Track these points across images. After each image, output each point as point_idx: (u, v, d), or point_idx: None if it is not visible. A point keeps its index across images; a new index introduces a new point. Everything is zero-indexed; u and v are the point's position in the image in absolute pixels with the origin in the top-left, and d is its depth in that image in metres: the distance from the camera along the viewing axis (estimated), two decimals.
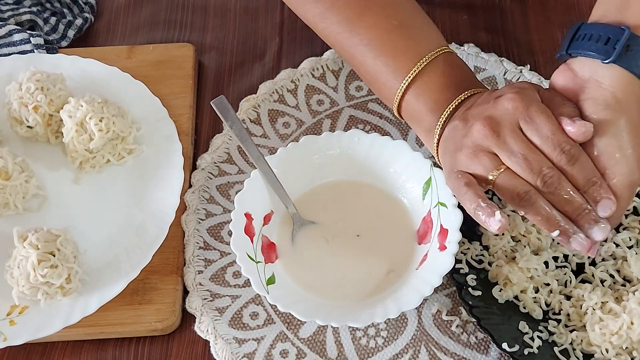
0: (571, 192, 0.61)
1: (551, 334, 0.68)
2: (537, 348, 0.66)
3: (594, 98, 0.62)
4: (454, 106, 0.68)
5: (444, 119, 0.68)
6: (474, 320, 0.67)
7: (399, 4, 0.72)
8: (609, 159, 0.61)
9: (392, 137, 0.75)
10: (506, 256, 0.72)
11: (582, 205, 0.61)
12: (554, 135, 0.61)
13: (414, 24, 0.72)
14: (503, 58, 0.86)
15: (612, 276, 0.70)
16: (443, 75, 0.69)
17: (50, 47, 0.87)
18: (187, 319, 0.73)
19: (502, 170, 0.62)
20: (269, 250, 0.71)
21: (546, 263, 0.71)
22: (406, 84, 0.69)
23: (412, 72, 0.68)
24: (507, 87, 0.65)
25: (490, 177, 0.62)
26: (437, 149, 0.69)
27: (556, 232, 0.61)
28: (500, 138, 0.62)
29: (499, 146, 0.62)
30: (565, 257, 0.72)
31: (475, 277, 0.70)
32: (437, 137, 0.68)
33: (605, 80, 0.62)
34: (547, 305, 0.70)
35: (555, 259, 0.72)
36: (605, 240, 0.73)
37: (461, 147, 0.64)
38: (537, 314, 0.69)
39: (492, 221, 0.60)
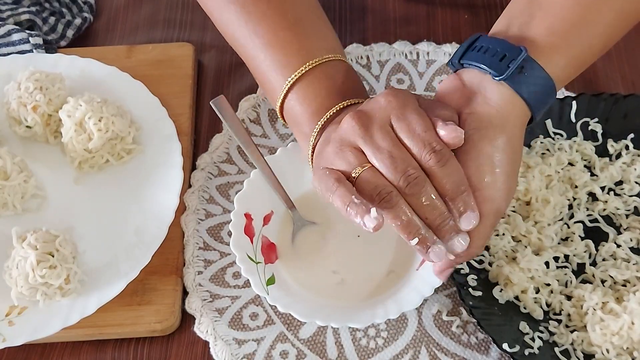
0: (434, 199, 0.56)
1: (552, 334, 0.68)
2: (538, 348, 0.66)
3: (477, 113, 0.59)
4: (332, 112, 0.64)
5: (321, 124, 0.63)
6: (475, 320, 0.67)
7: (298, 2, 0.68)
8: (479, 181, 0.57)
9: None
10: (507, 256, 0.72)
11: (445, 214, 0.56)
12: (425, 134, 0.56)
13: (312, 24, 0.68)
14: None
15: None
16: (331, 80, 0.65)
17: (49, 47, 0.87)
18: (187, 319, 0.72)
19: (365, 167, 0.57)
20: (269, 250, 0.71)
21: (547, 263, 0.71)
22: (291, 82, 0.65)
23: (298, 71, 0.65)
24: (386, 89, 0.61)
25: (353, 175, 0.57)
26: (312, 157, 0.65)
27: (415, 241, 0.56)
28: (368, 133, 0.57)
29: (365, 141, 0.57)
30: (566, 257, 0.72)
31: (476, 277, 0.70)
32: (312, 143, 0.64)
33: (493, 97, 0.59)
34: (548, 305, 0.70)
35: (556, 259, 0.72)
36: (607, 240, 0.73)
37: (329, 141, 0.60)
38: (538, 314, 0.69)
39: (367, 219, 0.55)
